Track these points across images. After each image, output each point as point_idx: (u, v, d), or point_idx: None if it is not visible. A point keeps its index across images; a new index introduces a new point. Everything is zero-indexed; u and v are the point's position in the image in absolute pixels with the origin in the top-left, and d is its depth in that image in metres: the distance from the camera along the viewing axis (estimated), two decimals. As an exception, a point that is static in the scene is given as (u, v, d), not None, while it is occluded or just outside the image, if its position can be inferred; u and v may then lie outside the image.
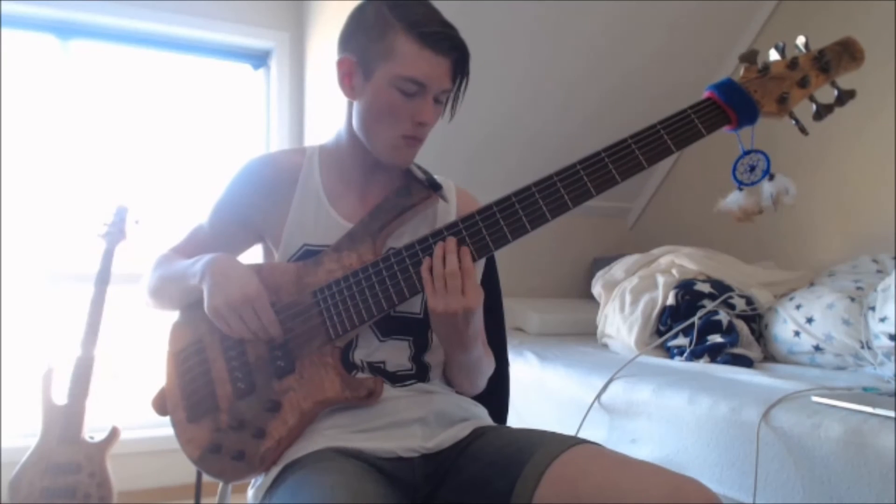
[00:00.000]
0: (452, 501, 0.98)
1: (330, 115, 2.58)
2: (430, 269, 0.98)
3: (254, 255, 1.20)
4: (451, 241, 0.98)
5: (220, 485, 1.17)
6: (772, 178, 1.01)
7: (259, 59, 2.94)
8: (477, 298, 0.97)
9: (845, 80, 1.01)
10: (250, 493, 1.04)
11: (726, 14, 2.70)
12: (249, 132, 2.94)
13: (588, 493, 0.85)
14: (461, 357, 1.06)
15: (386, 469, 0.97)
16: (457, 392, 1.16)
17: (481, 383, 1.17)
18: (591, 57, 2.67)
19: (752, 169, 1.02)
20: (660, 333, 2.17)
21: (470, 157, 2.76)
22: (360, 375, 1.04)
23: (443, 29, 0.99)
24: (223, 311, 1.00)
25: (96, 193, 2.64)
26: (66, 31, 2.61)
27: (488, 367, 1.16)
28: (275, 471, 0.98)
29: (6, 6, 2.44)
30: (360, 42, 1.02)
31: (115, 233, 2.24)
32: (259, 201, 1.12)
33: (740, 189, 1.03)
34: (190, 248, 1.18)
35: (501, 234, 0.99)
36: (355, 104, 1.07)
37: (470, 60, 1.03)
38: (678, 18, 2.63)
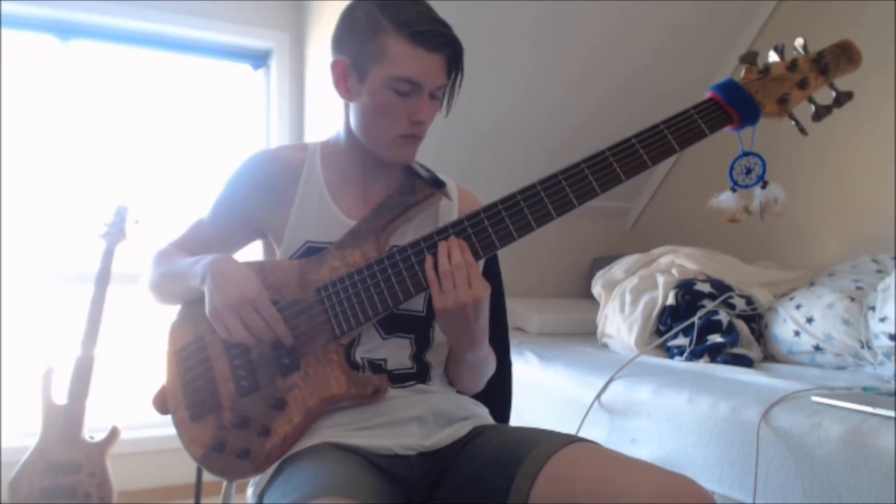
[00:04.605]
0: (451, 500, 0.99)
1: (330, 115, 2.57)
2: (435, 269, 0.98)
3: (254, 252, 1.20)
4: (452, 239, 0.99)
5: (225, 484, 1.17)
6: (765, 185, 1.03)
7: (259, 59, 2.94)
8: (484, 289, 0.97)
9: (844, 81, 1.03)
10: (249, 491, 1.04)
11: (726, 14, 2.70)
12: (249, 132, 2.94)
13: (583, 491, 0.85)
14: (470, 354, 1.06)
15: (383, 466, 0.98)
16: (458, 391, 1.16)
17: (483, 382, 1.17)
18: (591, 57, 2.67)
19: (749, 172, 1.03)
20: (660, 333, 2.17)
21: (471, 157, 2.77)
22: (363, 374, 1.04)
23: (434, 26, 0.99)
24: (223, 313, 0.99)
25: (96, 193, 2.64)
26: (66, 31, 2.61)
27: (492, 364, 1.16)
28: (272, 467, 0.98)
29: (6, 6, 2.44)
30: (352, 44, 1.02)
31: (115, 233, 2.25)
32: (261, 197, 1.11)
33: (734, 190, 1.04)
34: (190, 243, 1.18)
35: (507, 231, 0.99)
36: (352, 106, 1.07)
37: (464, 55, 1.03)
38: (678, 18, 2.63)
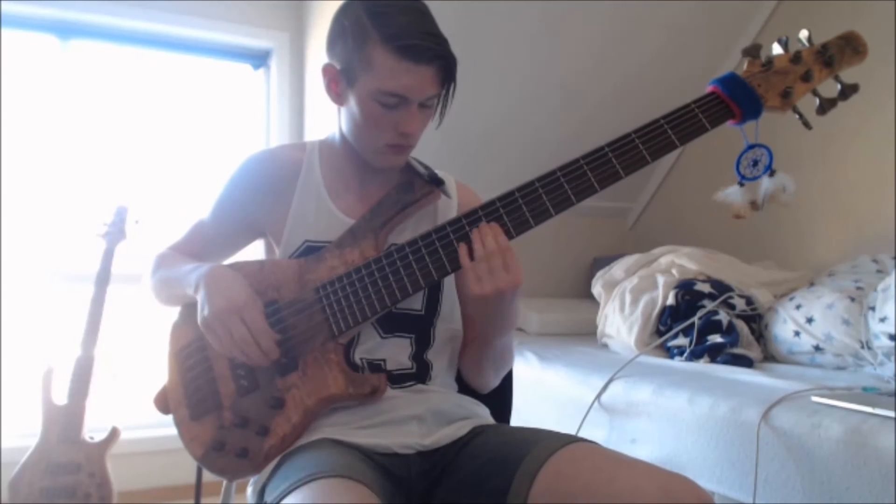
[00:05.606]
0: (450, 499, 0.98)
1: (329, 115, 2.57)
2: (469, 257, 0.96)
3: (255, 251, 1.20)
4: (484, 225, 0.97)
5: (224, 483, 1.17)
6: (773, 174, 1.00)
7: (259, 59, 2.95)
8: (520, 273, 0.95)
9: (848, 75, 1.01)
10: (249, 490, 1.04)
11: (726, 14, 2.70)
12: (249, 132, 2.94)
13: (582, 491, 0.85)
14: (499, 340, 1.05)
15: (382, 464, 0.98)
16: (476, 387, 1.16)
17: (502, 374, 1.17)
18: (591, 57, 2.67)
19: (755, 163, 1.01)
20: (660, 333, 2.17)
21: (470, 156, 2.76)
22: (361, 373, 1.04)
23: (422, 40, 0.95)
24: (211, 323, 0.99)
25: (96, 193, 2.64)
26: (66, 31, 2.61)
27: (513, 355, 1.16)
28: (272, 464, 0.99)
29: (6, 6, 2.44)
30: (341, 50, 1.01)
31: (115, 233, 2.25)
32: (260, 197, 1.12)
33: (741, 184, 1.02)
34: (191, 245, 1.18)
35: (504, 229, 0.98)
36: (342, 109, 1.07)
37: (457, 67, 1.01)
38: (678, 18, 2.63)
